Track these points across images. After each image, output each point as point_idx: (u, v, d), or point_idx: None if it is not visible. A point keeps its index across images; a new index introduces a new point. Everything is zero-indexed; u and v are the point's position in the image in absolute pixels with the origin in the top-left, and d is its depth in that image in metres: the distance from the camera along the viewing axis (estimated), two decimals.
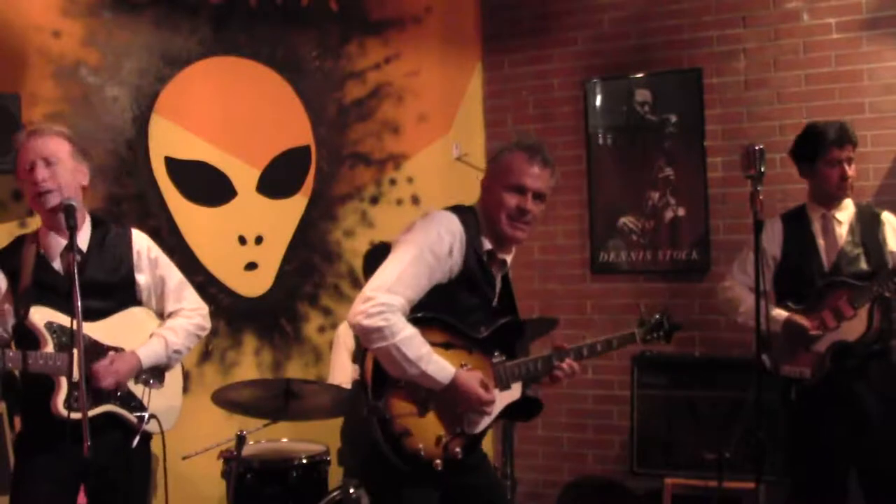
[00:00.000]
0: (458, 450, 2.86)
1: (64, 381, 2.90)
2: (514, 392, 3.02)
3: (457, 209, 2.98)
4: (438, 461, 2.81)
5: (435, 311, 2.84)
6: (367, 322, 2.71)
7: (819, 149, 3.77)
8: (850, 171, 3.76)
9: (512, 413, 3.06)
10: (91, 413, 2.89)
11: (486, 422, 2.92)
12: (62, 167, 3.00)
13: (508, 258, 3.05)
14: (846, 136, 3.76)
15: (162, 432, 3.06)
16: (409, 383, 2.78)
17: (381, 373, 2.77)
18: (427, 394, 2.80)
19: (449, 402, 2.82)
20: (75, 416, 2.85)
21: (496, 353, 2.97)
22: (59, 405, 2.89)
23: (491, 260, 2.96)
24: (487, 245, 2.95)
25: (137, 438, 2.96)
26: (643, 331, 3.32)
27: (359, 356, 2.91)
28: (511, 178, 2.93)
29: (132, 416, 3.05)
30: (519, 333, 3.05)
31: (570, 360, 3.06)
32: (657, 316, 3.34)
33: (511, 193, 2.92)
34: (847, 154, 3.76)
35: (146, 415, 3.03)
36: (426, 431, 2.81)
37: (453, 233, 2.86)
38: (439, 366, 2.77)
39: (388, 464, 2.76)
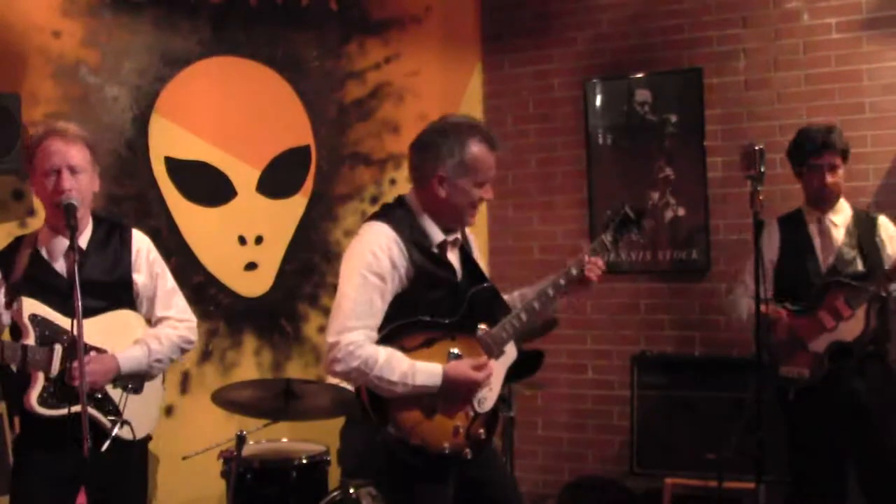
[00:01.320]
0: (480, 431, 2.88)
1: (40, 377, 2.88)
2: (511, 353, 3.01)
3: (385, 214, 2.93)
4: (467, 450, 2.84)
5: (404, 316, 2.82)
6: (341, 368, 2.73)
7: (802, 155, 3.82)
8: (832, 178, 3.79)
9: (517, 373, 3.05)
10: (60, 412, 2.85)
11: (494, 395, 2.93)
12: (85, 176, 3.00)
13: (459, 235, 3.01)
14: (827, 143, 3.77)
15: (134, 439, 3.02)
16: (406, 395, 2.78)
17: (377, 396, 2.78)
18: (428, 396, 2.80)
19: (451, 394, 2.83)
20: (46, 412, 2.84)
21: (478, 326, 2.94)
22: (33, 400, 2.86)
23: (443, 248, 2.93)
24: (439, 236, 2.91)
25: (108, 442, 2.89)
26: (609, 234, 3.10)
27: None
28: (480, 176, 2.90)
29: (105, 420, 2.99)
30: (493, 297, 3.01)
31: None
32: (617, 212, 3.12)
33: (481, 188, 2.91)
34: (828, 161, 3.77)
35: (119, 420, 2.97)
36: (442, 430, 2.82)
37: (387, 246, 2.81)
38: (426, 373, 2.77)
39: (405, 464, 2.77)
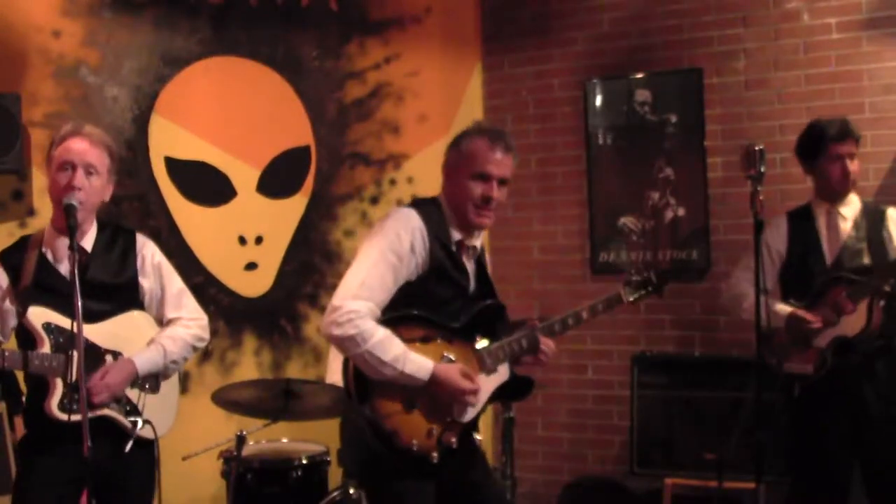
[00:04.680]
0: (453, 439, 2.87)
1: (59, 383, 2.89)
2: (503, 373, 3.02)
3: (417, 204, 2.97)
4: (434, 454, 2.83)
5: (410, 306, 2.84)
6: (337, 332, 2.73)
7: (820, 145, 3.79)
8: (853, 166, 3.77)
9: (504, 394, 3.06)
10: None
11: (477, 409, 2.93)
12: (98, 180, 3.00)
13: (478, 244, 3.04)
14: (847, 131, 3.77)
15: (156, 438, 3.04)
16: (391, 383, 2.78)
17: (363, 376, 2.78)
18: (411, 390, 2.80)
19: (434, 395, 2.83)
20: (68, 417, 2.85)
21: (478, 339, 2.96)
22: (54, 407, 2.88)
23: (460, 249, 2.96)
24: (456, 235, 2.94)
25: (131, 443, 2.93)
26: (629, 290, 3.31)
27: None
28: (475, 167, 2.91)
29: (126, 421, 3.01)
30: (499, 315, 3.04)
31: (546, 338, 3.04)
32: (643, 274, 3.33)
33: (476, 182, 2.91)
34: (849, 149, 3.76)
35: (140, 420, 3.01)
36: (416, 426, 2.82)
37: (412, 230, 2.85)
38: (416, 364, 2.77)
39: (384, 460, 2.78)
